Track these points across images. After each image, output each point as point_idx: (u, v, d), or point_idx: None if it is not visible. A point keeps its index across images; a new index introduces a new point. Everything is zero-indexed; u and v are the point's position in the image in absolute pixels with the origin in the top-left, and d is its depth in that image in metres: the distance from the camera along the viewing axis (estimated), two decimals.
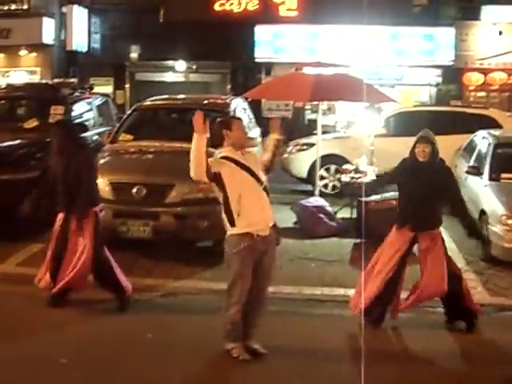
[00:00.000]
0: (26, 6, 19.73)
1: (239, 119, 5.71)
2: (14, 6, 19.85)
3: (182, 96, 11.37)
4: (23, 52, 20.07)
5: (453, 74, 20.24)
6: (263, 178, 5.35)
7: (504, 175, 8.73)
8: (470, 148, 10.48)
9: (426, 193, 5.81)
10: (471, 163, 9.74)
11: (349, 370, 5.26)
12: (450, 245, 8.85)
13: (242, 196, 5.12)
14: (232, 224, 5.19)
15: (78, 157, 6.27)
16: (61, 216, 6.44)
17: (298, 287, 7.09)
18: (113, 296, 6.43)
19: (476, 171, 9.16)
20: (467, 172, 9.44)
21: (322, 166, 11.46)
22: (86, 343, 5.68)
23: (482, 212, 8.43)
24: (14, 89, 11.90)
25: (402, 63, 19.94)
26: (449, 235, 9.29)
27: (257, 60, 20.17)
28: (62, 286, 6.30)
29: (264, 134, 14.35)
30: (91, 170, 6.42)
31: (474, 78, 20.39)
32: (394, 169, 6.27)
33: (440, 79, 20.48)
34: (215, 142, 5.35)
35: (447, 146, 11.41)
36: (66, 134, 6.38)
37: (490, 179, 8.79)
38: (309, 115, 20.24)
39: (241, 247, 5.15)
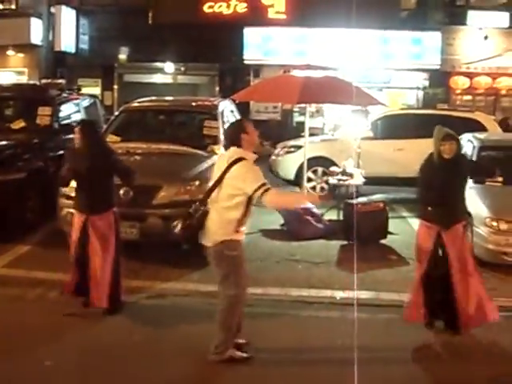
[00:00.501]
0: (13, 6, 19.63)
1: (250, 120, 5.63)
2: (1, 6, 19.76)
3: (169, 98, 11.37)
4: (11, 52, 19.94)
5: (440, 78, 20.37)
6: None
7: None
8: None
9: (452, 188, 5.92)
10: None
11: (336, 372, 5.29)
12: None
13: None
14: (238, 230, 5.14)
15: (102, 157, 6.26)
16: (80, 217, 6.35)
17: (285, 289, 7.11)
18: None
19: None
20: None
21: (309, 169, 11.49)
22: (72, 345, 5.67)
23: (467, 214, 8.49)
24: (1, 89, 11.84)
25: (389, 66, 20.03)
26: None
27: (246, 62, 20.20)
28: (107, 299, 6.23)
29: None
30: (112, 170, 6.38)
31: (460, 82, 20.54)
32: (419, 171, 6.28)
33: (427, 83, 20.60)
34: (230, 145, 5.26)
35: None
36: (89, 134, 6.33)
37: (475, 182, 8.85)
38: (297, 117, 20.29)
39: (241, 249, 5.25)
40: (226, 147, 5.23)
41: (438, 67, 19.99)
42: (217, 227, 5.16)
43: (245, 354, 5.39)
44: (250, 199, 5.07)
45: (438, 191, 5.93)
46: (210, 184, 5.23)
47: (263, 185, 4.95)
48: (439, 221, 5.97)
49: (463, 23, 20.45)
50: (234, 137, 5.17)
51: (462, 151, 6.14)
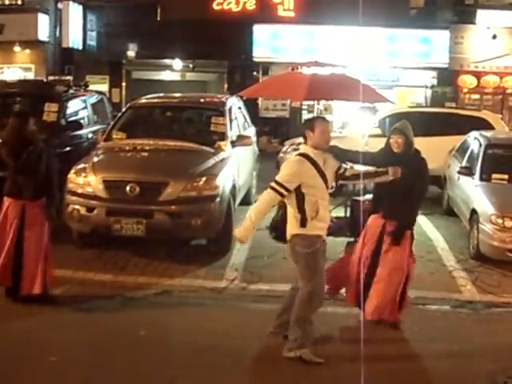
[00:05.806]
0: (20, 2, 19.51)
1: (324, 119, 5.65)
2: (7, 1, 19.63)
3: (176, 94, 11.36)
4: (17, 48, 19.85)
5: (448, 77, 20.34)
6: (331, 184, 5.51)
7: (495, 175, 8.83)
8: (463, 149, 10.54)
9: (398, 183, 5.73)
10: (463, 164, 9.80)
11: (345, 367, 5.29)
12: (442, 244, 8.94)
13: (318, 201, 5.24)
14: (303, 225, 5.24)
15: (37, 147, 6.29)
16: (14, 204, 6.27)
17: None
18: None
19: (468, 171, 9.24)
20: (459, 172, 9.51)
21: None
22: (78, 341, 5.67)
23: (473, 211, 8.50)
24: (8, 85, 11.78)
25: (397, 64, 20.01)
26: (441, 234, 9.40)
27: (254, 59, 20.18)
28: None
29: (259, 134, 14.41)
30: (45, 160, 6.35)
31: (468, 81, 20.50)
32: (376, 153, 6.22)
33: (435, 81, 20.57)
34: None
35: (441, 146, 11.50)
36: (23, 124, 6.33)
37: (481, 179, 8.87)
38: (305, 115, 20.26)
39: (316, 247, 5.28)
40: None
41: (447, 66, 19.95)
42: None
43: (318, 359, 5.31)
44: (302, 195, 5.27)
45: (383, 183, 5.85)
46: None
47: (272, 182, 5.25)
48: (384, 211, 6.00)
49: (472, 22, 20.40)
50: (303, 133, 5.37)
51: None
